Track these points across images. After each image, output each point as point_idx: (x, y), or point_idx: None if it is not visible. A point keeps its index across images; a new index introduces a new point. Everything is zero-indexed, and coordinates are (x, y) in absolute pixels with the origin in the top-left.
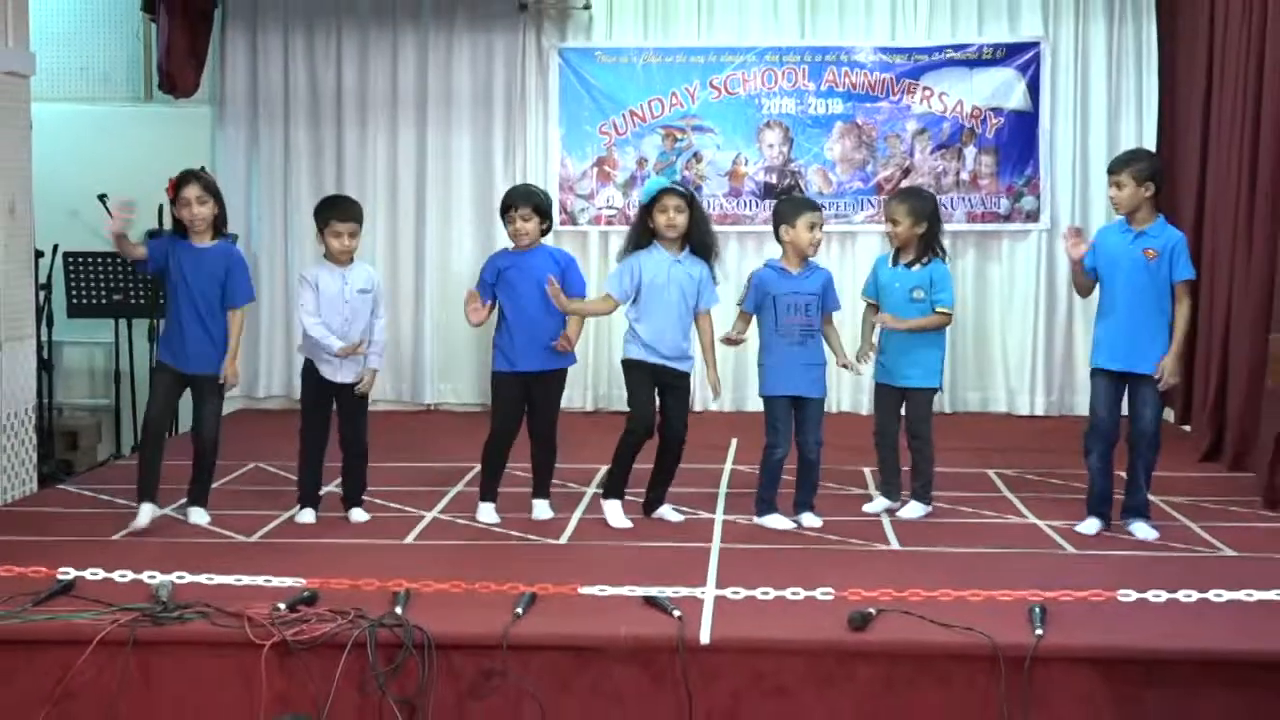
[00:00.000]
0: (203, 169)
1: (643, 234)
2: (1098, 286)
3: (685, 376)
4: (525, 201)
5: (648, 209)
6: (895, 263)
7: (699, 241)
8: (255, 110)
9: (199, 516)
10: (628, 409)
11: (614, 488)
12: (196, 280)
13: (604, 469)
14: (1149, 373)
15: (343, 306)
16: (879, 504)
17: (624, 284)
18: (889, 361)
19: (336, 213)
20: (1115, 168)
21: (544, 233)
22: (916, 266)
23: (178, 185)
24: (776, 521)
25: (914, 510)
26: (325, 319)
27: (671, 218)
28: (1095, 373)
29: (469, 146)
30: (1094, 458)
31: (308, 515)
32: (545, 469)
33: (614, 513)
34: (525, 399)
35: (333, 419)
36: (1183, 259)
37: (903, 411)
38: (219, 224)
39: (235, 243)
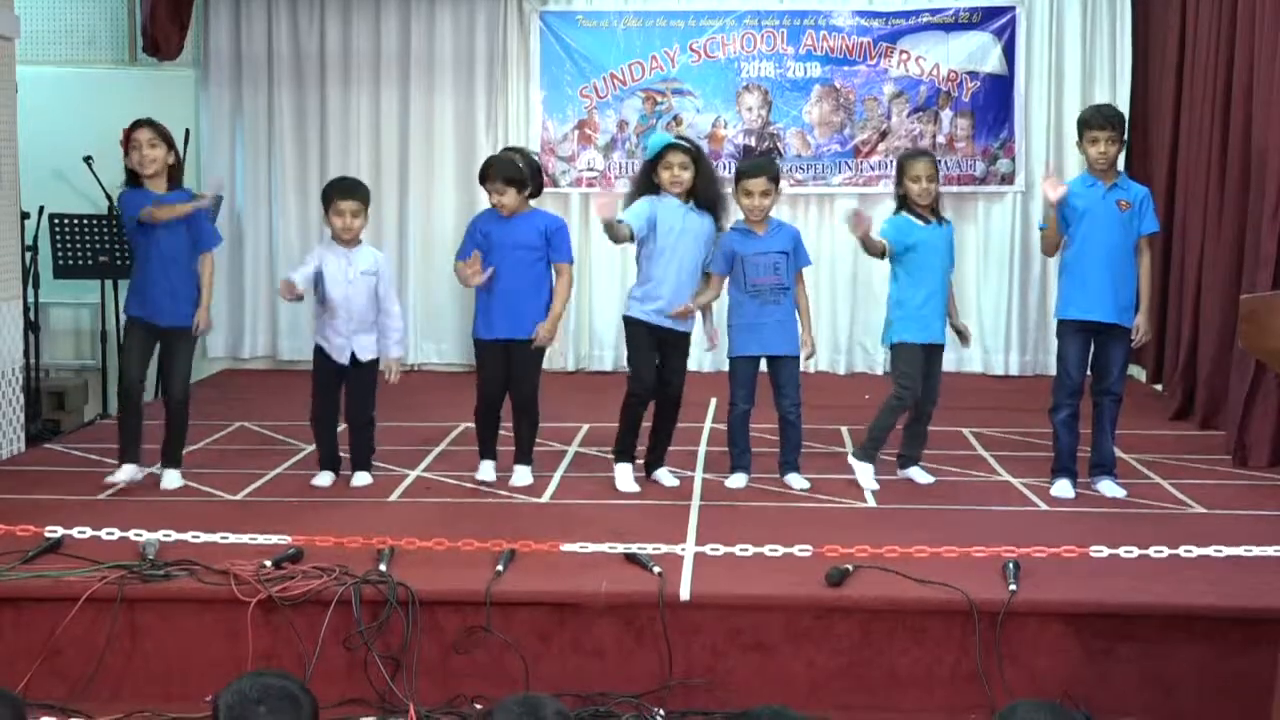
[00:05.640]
0: (187, 133)
1: (647, 190)
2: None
3: (686, 336)
4: (498, 174)
5: (652, 165)
6: (925, 222)
7: (705, 197)
8: (239, 72)
9: (171, 480)
10: (627, 369)
11: (624, 451)
12: (161, 227)
13: (585, 428)
14: (1127, 325)
15: (345, 285)
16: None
17: (640, 215)
18: (935, 318)
19: (338, 191)
20: (1111, 122)
21: (532, 196)
22: (943, 224)
23: (130, 131)
24: (737, 481)
25: (926, 476)
26: (328, 296)
27: (676, 174)
28: (1066, 327)
29: (451, 109)
30: (1065, 414)
31: (323, 478)
32: (526, 436)
33: (622, 476)
34: (507, 363)
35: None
36: (1150, 212)
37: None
38: (174, 175)
39: (220, 204)
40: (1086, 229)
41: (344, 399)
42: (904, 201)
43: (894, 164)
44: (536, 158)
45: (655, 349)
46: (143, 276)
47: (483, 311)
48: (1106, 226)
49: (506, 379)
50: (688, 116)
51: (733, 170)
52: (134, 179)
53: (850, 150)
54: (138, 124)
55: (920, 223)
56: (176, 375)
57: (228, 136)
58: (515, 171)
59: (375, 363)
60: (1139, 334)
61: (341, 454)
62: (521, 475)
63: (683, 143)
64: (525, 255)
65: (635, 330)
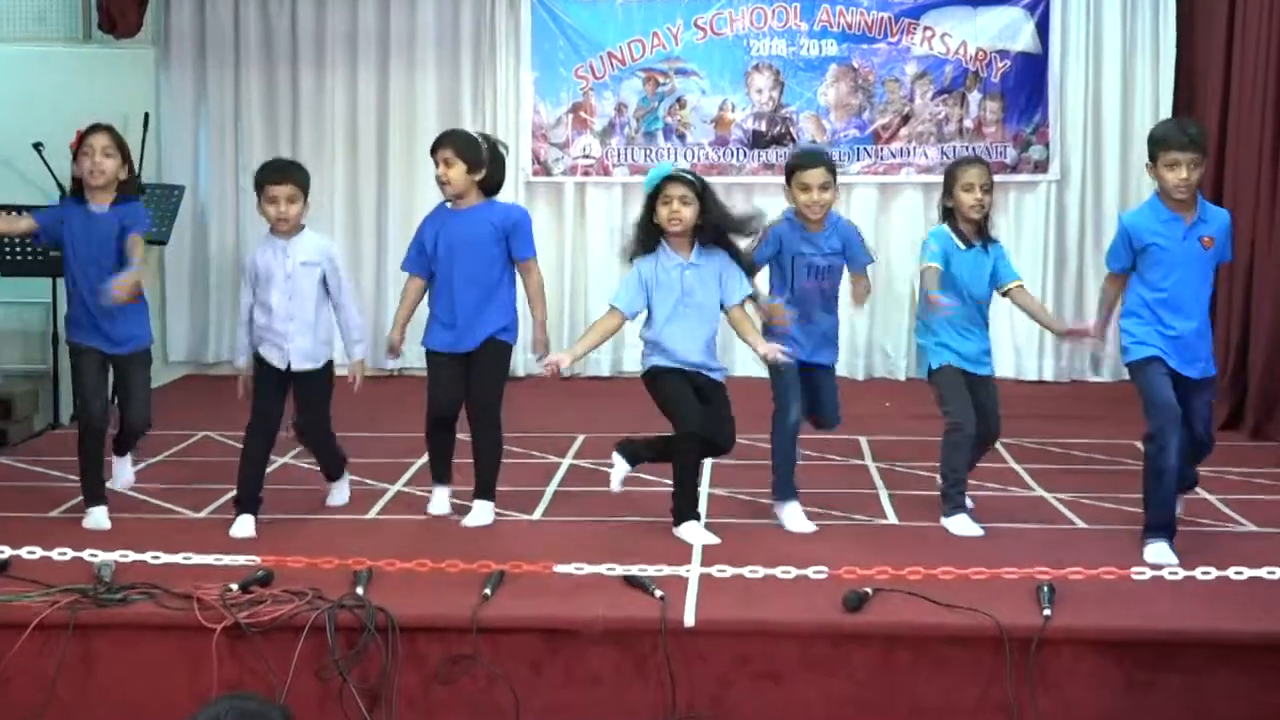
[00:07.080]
0: (146, 118)
1: (650, 231)
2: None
3: (720, 385)
4: (446, 143)
5: (651, 199)
6: (968, 245)
7: (710, 236)
8: (203, 51)
9: (123, 470)
10: (669, 416)
11: (685, 510)
12: (87, 249)
13: (580, 439)
14: (1210, 374)
15: (284, 283)
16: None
17: (631, 297)
18: (967, 347)
19: (269, 174)
20: (1195, 143)
21: (489, 189)
22: (988, 247)
23: (84, 135)
24: (794, 514)
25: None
26: (263, 299)
27: (675, 209)
28: (1139, 364)
29: (434, 92)
30: (1171, 455)
31: (241, 525)
32: (488, 460)
33: (693, 533)
34: (463, 375)
35: (285, 409)
36: (1229, 241)
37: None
38: (125, 189)
39: (181, 195)
40: (1163, 274)
41: (295, 413)
42: (949, 215)
43: (917, 150)
44: (505, 150)
45: (692, 388)
46: (77, 298)
47: (440, 319)
48: (1186, 272)
49: (464, 391)
50: (692, 99)
51: (742, 158)
52: (76, 187)
53: (869, 135)
54: (95, 128)
55: (960, 243)
56: (137, 402)
57: (190, 121)
58: (469, 145)
59: (322, 372)
60: None
61: (315, 466)
62: (481, 513)
63: (684, 174)
64: (480, 254)
65: (662, 377)
